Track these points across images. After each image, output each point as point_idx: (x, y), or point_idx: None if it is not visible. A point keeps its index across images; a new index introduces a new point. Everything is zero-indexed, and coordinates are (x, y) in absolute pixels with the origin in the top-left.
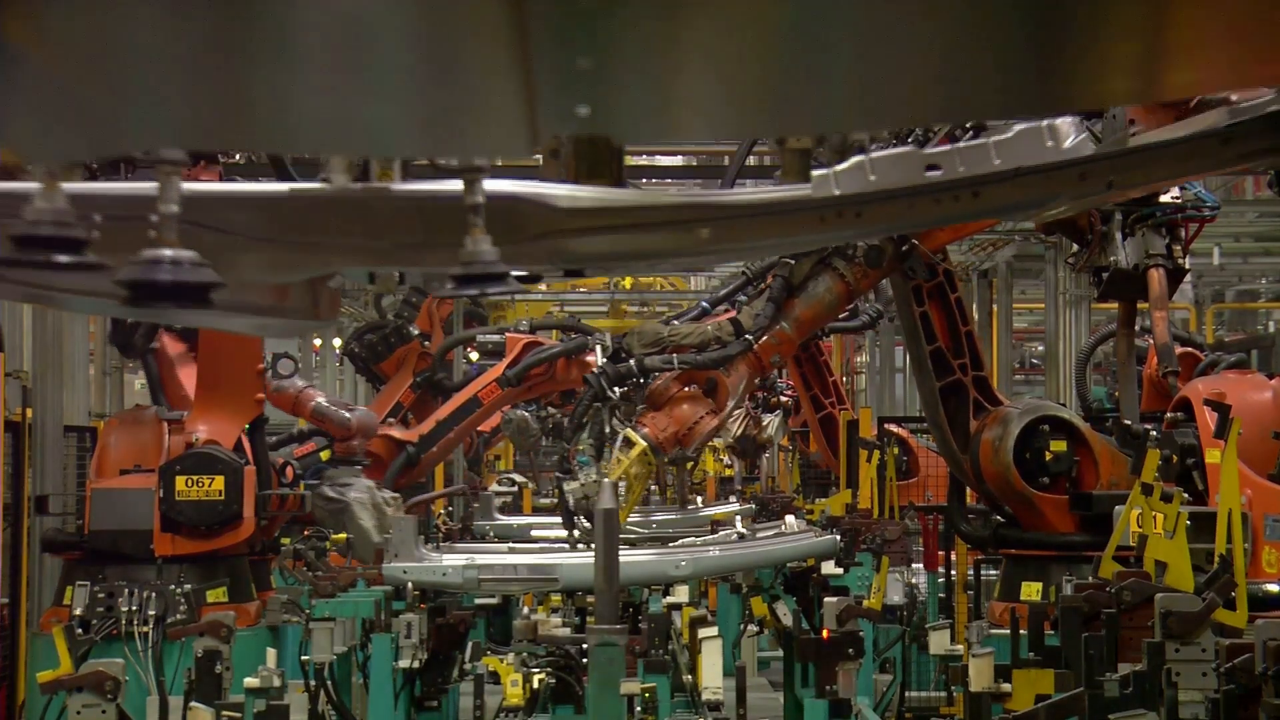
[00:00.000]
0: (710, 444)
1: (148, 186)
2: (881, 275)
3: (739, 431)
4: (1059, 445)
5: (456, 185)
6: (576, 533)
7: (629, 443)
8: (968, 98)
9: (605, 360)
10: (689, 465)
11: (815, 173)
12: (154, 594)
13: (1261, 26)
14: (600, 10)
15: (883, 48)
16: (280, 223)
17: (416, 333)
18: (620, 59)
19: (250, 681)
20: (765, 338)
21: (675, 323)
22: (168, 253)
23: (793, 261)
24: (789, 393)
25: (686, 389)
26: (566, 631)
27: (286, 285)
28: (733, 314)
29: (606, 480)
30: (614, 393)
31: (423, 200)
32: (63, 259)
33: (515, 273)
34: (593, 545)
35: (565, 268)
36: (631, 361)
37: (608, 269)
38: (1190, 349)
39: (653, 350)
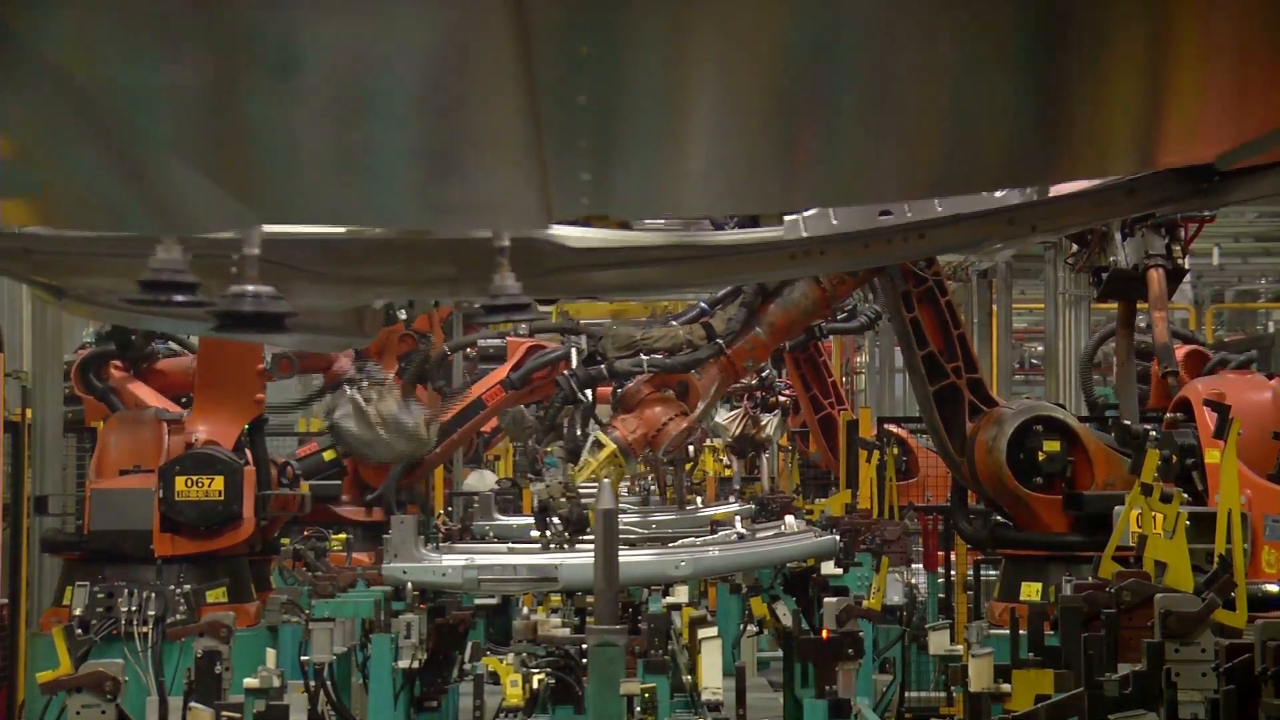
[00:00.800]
0: (710, 444)
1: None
2: (859, 282)
3: (738, 431)
4: (1052, 445)
5: (486, 231)
6: (549, 533)
7: (599, 444)
8: (970, 173)
9: (578, 363)
10: (688, 466)
11: (786, 218)
12: (154, 594)
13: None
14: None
15: (890, 131)
16: (338, 260)
17: (403, 316)
18: (623, 170)
19: (250, 682)
20: (739, 342)
21: (671, 324)
22: (250, 288)
23: None
24: (788, 392)
25: (659, 392)
26: (566, 632)
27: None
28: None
29: (606, 481)
30: (585, 395)
31: (456, 243)
32: (179, 299)
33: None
34: (564, 546)
35: (577, 296)
36: (603, 365)
37: (612, 296)
38: (1197, 346)
39: (625, 353)
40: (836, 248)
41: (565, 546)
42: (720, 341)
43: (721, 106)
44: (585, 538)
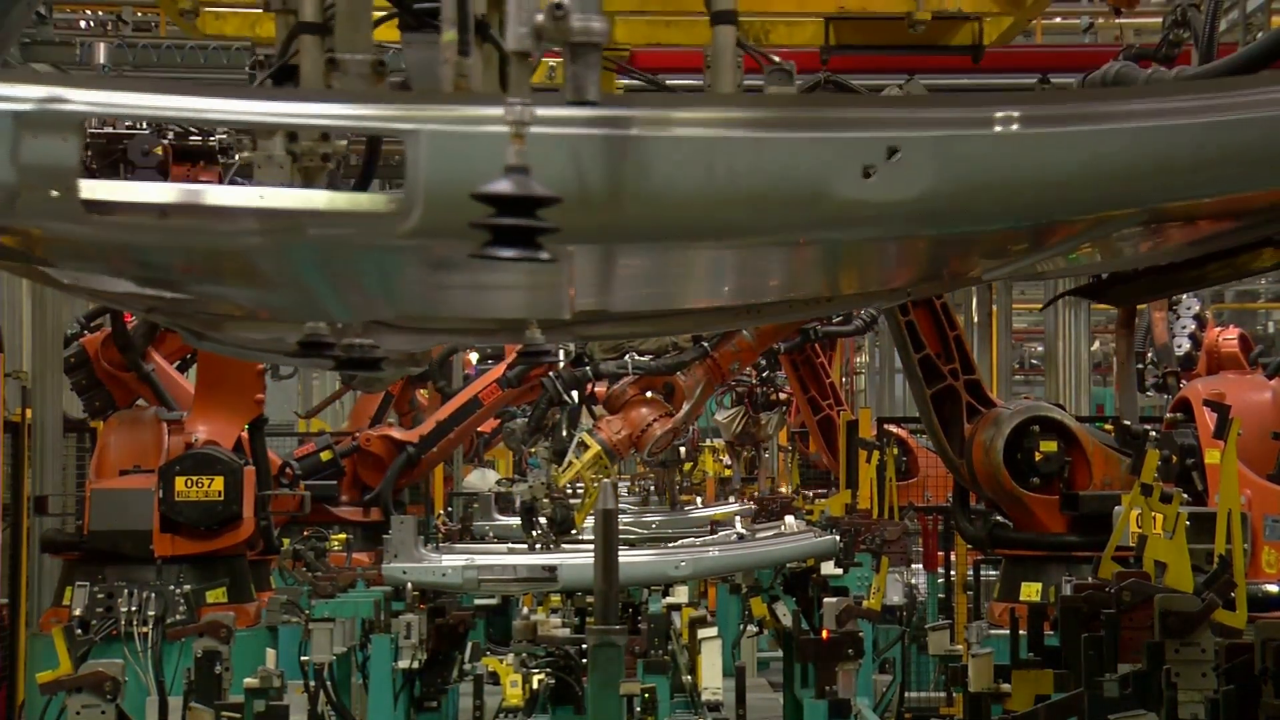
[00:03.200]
0: (710, 444)
1: None
2: None
3: (739, 429)
4: (1049, 446)
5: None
6: (535, 533)
7: (584, 445)
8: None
9: (565, 364)
10: (687, 467)
11: None
12: (153, 594)
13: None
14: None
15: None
16: (423, 321)
17: None
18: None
19: (250, 682)
20: (725, 346)
21: None
22: (358, 340)
23: None
24: (788, 390)
25: (645, 394)
26: (566, 632)
27: None
28: None
29: (606, 482)
30: (571, 397)
31: None
32: (326, 355)
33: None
34: (550, 547)
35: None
36: (588, 367)
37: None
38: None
39: (611, 355)
40: (769, 307)
41: (552, 548)
42: (706, 344)
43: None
44: (581, 538)
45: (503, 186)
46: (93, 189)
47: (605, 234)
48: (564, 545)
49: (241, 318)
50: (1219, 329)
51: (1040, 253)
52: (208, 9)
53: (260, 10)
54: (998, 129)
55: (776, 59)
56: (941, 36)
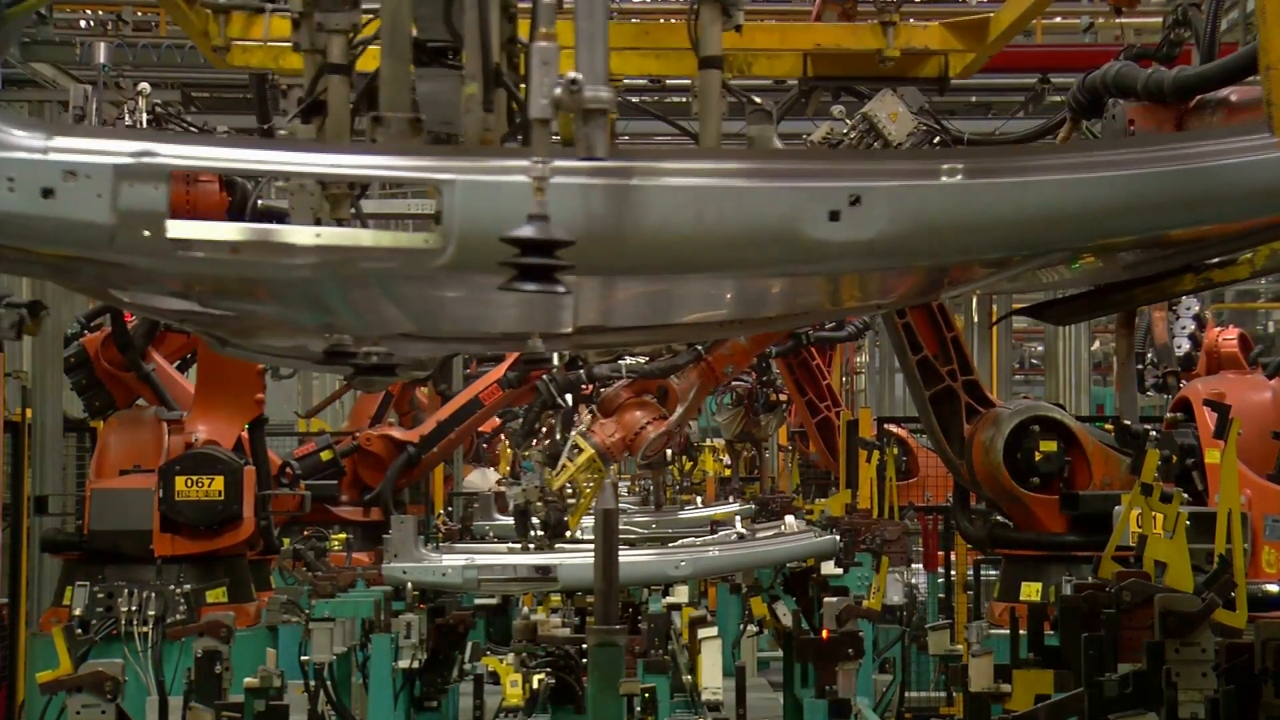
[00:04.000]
0: (709, 444)
1: None
2: None
3: (738, 429)
4: (1049, 445)
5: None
6: (531, 534)
7: (577, 448)
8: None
9: (559, 367)
10: (687, 466)
11: None
12: (153, 594)
13: None
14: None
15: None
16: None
17: None
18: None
19: (250, 682)
20: (718, 349)
21: None
22: (374, 349)
23: None
24: (787, 391)
25: (640, 397)
26: (566, 632)
27: None
28: None
29: (607, 482)
30: (564, 400)
31: None
32: (350, 364)
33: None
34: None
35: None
36: (582, 370)
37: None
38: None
39: (605, 359)
40: (755, 321)
41: (546, 549)
42: (700, 348)
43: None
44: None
45: (527, 231)
46: (178, 229)
47: (610, 268)
48: (563, 546)
49: (272, 327)
50: (1219, 329)
51: (987, 280)
52: (237, 43)
53: (285, 44)
54: (944, 180)
55: (758, 100)
56: (910, 69)
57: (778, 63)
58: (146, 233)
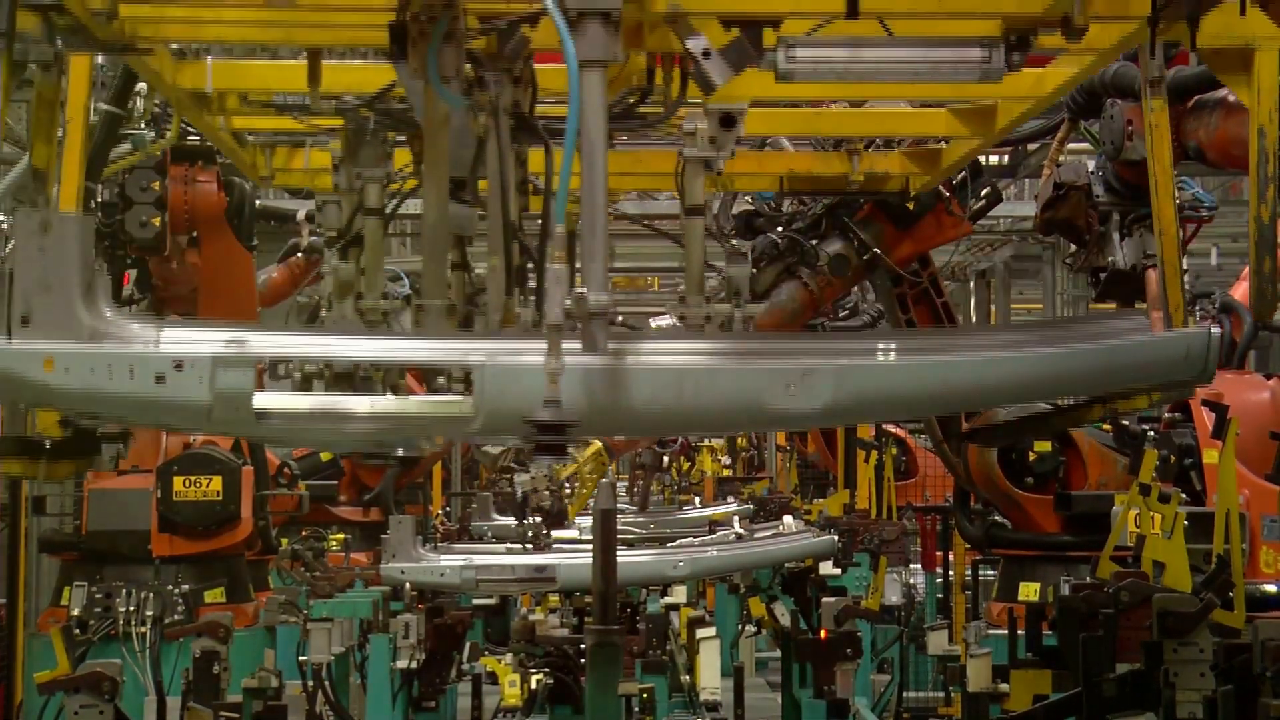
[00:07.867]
0: (709, 444)
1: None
2: (848, 284)
3: None
4: (1044, 445)
5: None
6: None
7: (585, 442)
8: None
9: None
10: (685, 467)
11: None
12: (151, 594)
13: None
14: None
15: None
16: None
17: None
18: None
19: (248, 682)
20: None
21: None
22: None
23: (755, 270)
24: None
25: None
26: (564, 632)
27: None
28: None
29: (605, 481)
30: None
31: None
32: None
33: None
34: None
35: None
36: None
37: None
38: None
39: None
40: None
41: (543, 540)
42: None
43: None
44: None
45: (544, 415)
46: (262, 401)
47: (609, 431)
48: (559, 544)
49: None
50: None
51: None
52: (280, 170)
53: (321, 170)
54: (879, 358)
55: (735, 243)
56: (874, 187)
57: (757, 182)
58: (237, 408)
